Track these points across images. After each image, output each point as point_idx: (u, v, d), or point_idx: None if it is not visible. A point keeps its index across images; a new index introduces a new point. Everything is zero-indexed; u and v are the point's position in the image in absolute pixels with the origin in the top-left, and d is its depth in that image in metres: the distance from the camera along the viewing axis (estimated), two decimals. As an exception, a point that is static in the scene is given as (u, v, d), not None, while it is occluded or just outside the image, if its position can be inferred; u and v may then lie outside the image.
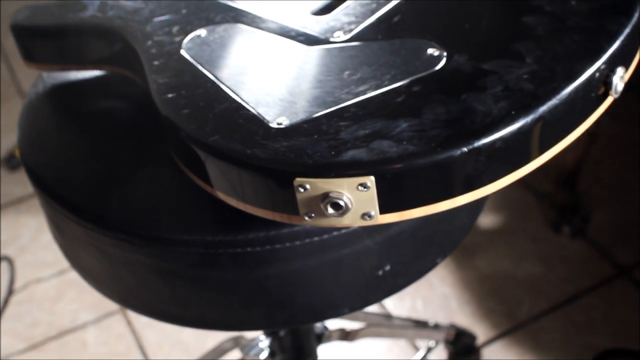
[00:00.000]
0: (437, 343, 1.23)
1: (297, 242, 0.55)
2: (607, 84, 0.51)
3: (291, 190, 0.46)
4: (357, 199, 0.46)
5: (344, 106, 0.49)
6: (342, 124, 0.48)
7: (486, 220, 1.50)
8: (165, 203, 0.57)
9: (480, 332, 1.30)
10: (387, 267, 0.59)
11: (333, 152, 0.46)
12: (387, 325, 1.14)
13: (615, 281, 1.37)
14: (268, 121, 0.49)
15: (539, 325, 1.31)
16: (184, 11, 0.62)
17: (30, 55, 0.67)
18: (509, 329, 1.31)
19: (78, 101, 0.68)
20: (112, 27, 0.62)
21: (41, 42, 0.66)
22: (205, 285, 0.57)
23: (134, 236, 0.56)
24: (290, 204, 0.47)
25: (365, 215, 0.47)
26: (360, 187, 0.45)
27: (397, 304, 1.35)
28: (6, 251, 1.51)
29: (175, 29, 0.60)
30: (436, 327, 1.19)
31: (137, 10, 0.64)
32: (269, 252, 0.55)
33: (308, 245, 0.55)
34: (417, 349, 1.27)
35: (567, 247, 1.43)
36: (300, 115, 0.49)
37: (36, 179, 0.62)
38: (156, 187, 0.58)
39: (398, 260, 0.59)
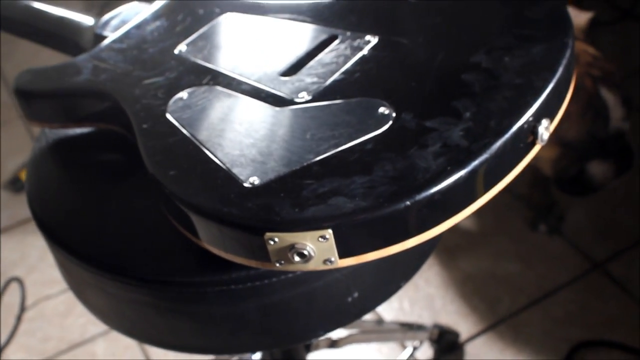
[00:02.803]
0: (422, 342, 1.31)
1: (274, 279, 0.63)
2: (534, 134, 0.59)
3: (263, 242, 0.54)
4: (318, 248, 0.54)
5: (306, 165, 0.57)
6: (304, 182, 0.56)
7: (467, 222, 1.58)
8: (160, 249, 0.65)
9: (464, 328, 1.39)
10: (355, 295, 0.67)
11: (297, 209, 0.54)
12: (373, 331, 1.23)
13: (590, 275, 1.45)
14: (242, 181, 0.57)
15: (518, 320, 1.40)
16: (167, 74, 0.70)
17: (33, 115, 0.75)
18: (491, 324, 1.40)
19: (78, 154, 0.76)
20: (105, 91, 0.70)
21: (42, 104, 0.74)
22: (197, 318, 0.66)
23: (134, 279, 0.64)
24: (263, 254, 0.55)
25: (327, 261, 0.55)
26: (320, 239, 0.53)
27: (385, 307, 1.43)
28: (15, 271, 1.59)
29: (160, 92, 0.68)
30: (420, 327, 1.27)
31: (127, 73, 0.71)
32: (250, 289, 0.63)
33: (283, 280, 0.64)
34: (405, 347, 1.36)
35: (544, 245, 1.51)
36: (269, 175, 0.57)
37: (45, 228, 0.70)
38: (152, 235, 0.66)
39: (364, 288, 0.68)
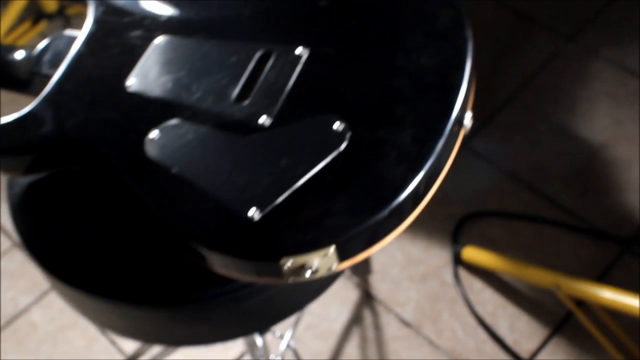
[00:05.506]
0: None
1: (268, 280, 0.77)
2: (461, 124, 0.73)
3: (279, 265, 0.66)
4: (324, 262, 0.67)
5: (292, 192, 0.68)
6: (296, 208, 0.67)
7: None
8: (180, 274, 0.77)
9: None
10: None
11: (301, 235, 0.66)
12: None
13: (458, 153, 1.65)
14: (244, 214, 0.67)
15: (408, 207, 1.59)
16: (129, 114, 0.76)
17: (5, 169, 0.80)
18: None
19: (59, 192, 0.83)
20: (77, 139, 0.76)
21: (10, 159, 0.79)
22: (212, 319, 0.78)
23: (162, 303, 0.75)
24: (279, 273, 0.67)
25: (329, 269, 0.68)
26: (325, 255, 0.66)
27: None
28: None
29: (131, 133, 0.75)
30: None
31: (89, 118, 0.77)
32: (251, 290, 0.76)
33: (279, 277, 0.77)
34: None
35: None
36: (264, 207, 0.67)
37: (59, 273, 0.78)
38: (162, 263, 0.77)
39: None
